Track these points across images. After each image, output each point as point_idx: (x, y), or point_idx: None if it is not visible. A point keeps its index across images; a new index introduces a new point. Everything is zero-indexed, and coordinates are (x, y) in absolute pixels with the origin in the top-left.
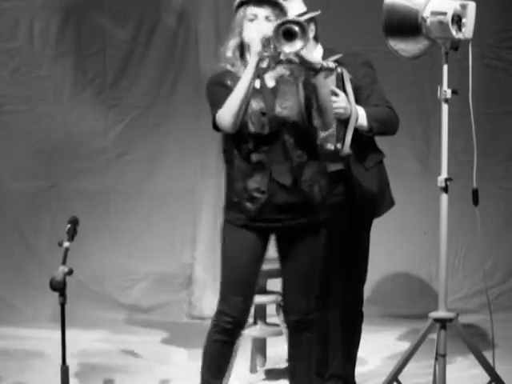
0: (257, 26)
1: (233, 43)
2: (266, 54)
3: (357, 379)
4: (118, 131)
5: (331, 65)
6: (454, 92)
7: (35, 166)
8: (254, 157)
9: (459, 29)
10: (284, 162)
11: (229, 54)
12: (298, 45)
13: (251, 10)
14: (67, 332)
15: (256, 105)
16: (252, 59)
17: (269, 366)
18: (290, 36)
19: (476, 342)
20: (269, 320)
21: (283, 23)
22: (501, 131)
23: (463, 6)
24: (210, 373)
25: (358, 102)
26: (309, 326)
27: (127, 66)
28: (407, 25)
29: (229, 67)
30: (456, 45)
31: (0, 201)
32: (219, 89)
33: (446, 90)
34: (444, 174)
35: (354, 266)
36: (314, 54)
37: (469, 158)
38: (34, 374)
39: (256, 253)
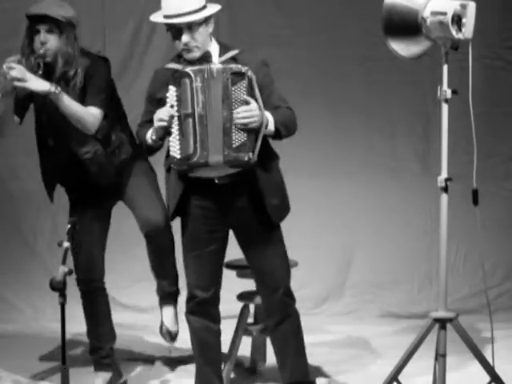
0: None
1: None
2: None
3: (357, 379)
4: None
5: (242, 69)
6: (453, 92)
7: (35, 166)
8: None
9: (459, 29)
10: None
11: None
12: None
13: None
14: (67, 332)
15: None
16: None
17: (269, 366)
18: None
19: (476, 342)
20: None
21: None
22: (501, 131)
23: (463, 6)
24: None
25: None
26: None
27: (127, 66)
28: (407, 25)
29: None
30: (456, 45)
31: (0, 201)
32: None
33: (445, 90)
34: (444, 174)
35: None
36: (211, 50)
37: (469, 158)
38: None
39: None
